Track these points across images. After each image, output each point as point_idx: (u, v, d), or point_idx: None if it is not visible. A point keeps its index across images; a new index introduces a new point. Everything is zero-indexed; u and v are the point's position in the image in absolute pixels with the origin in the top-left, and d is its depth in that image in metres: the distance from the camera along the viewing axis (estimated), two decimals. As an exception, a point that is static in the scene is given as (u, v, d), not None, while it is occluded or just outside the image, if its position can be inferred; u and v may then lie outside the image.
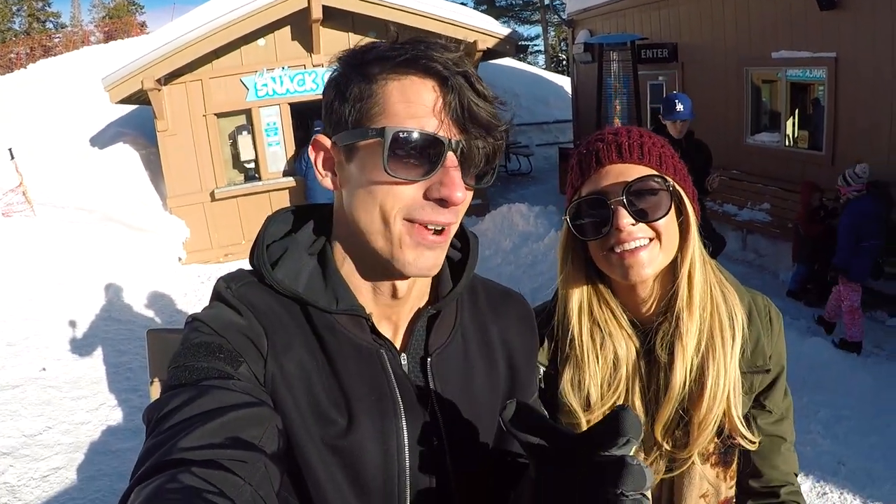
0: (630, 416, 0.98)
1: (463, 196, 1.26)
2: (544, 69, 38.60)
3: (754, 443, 1.77)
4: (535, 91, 25.97)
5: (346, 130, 1.29)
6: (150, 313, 10.38)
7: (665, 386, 1.72)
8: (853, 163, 9.38)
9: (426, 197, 1.26)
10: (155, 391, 2.01)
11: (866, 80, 10.16)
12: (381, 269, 1.34)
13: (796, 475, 1.92)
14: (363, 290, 1.39)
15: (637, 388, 1.76)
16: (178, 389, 1.18)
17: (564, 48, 40.61)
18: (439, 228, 1.29)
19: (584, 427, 1.73)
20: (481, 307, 1.58)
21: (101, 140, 17.48)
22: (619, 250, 1.67)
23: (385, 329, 1.41)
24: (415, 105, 1.24)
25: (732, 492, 1.84)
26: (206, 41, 13.86)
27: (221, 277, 1.40)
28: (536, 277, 10.69)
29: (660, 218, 1.65)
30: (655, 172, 1.67)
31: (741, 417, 1.72)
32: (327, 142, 1.34)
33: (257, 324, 1.30)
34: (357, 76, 1.28)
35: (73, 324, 9.28)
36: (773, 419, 1.83)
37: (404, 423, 1.33)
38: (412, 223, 1.27)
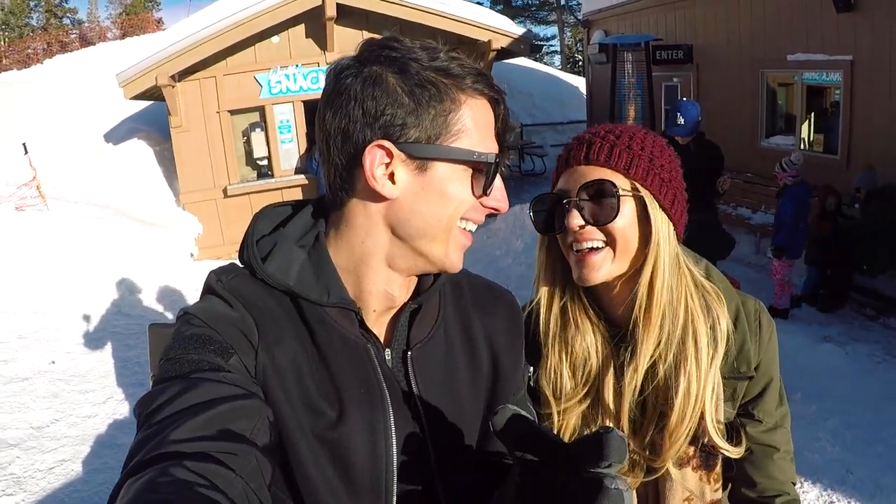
0: (613, 440, 0.96)
1: (507, 205, 1.39)
2: (560, 70, 38.56)
3: (733, 452, 1.73)
4: (550, 91, 25.93)
5: (427, 143, 1.29)
6: (160, 308, 10.41)
7: (620, 391, 1.73)
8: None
9: (483, 205, 1.36)
10: (157, 385, 2.01)
11: (882, 84, 10.08)
12: (406, 271, 1.40)
13: (794, 484, 1.88)
14: (369, 286, 1.39)
15: (609, 384, 1.74)
16: (169, 382, 1.18)
17: (580, 49, 40.54)
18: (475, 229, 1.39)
19: (556, 416, 1.76)
20: (465, 302, 1.58)
21: (116, 136, 17.56)
22: (575, 249, 1.69)
23: (373, 325, 1.42)
24: (485, 126, 1.34)
25: (719, 494, 1.80)
26: (221, 38, 13.90)
27: (212, 271, 1.40)
28: (548, 278, 10.59)
29: (608, 222, 1.64)
30: (620, 177, 1.66)
31: (718, 428, 1.69)
32: (394, 149, 1.29)
33: (248, 316, 1.30)
34: (433, 87, 1.29)
35: (83, 318, 9.32)
36: (764, 428, 1.79)
37: (391, 417, 1.33)
38: (461, 225, 1.36)
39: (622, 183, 1.64)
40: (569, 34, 50.66)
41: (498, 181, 1.34)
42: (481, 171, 1.32)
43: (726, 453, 1.72)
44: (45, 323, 8.95)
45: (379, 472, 1.32)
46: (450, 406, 1.43)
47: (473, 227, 1.37)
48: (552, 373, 1.77)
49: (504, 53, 16.43)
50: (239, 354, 1.26)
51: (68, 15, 57.40)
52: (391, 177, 1.30)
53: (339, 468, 1.29)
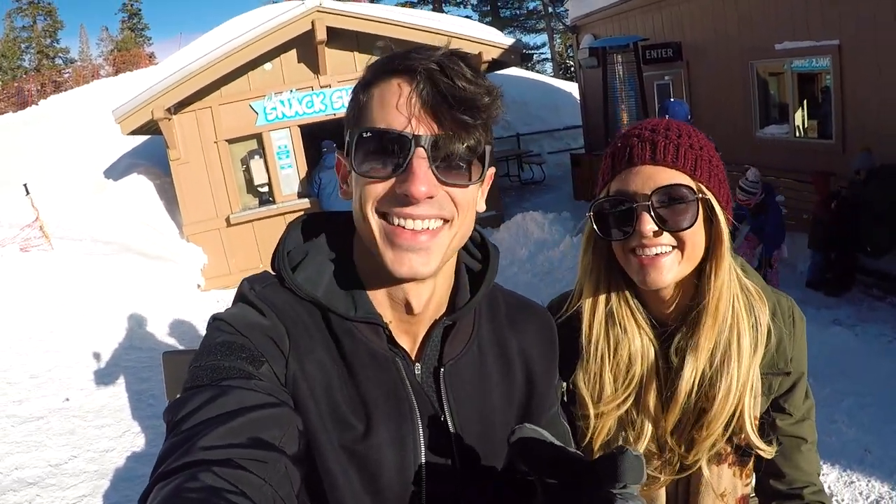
0: (629, 461, 0.98)
1: (427, 189, 1.23)
2: (552, 77, 38.64)
3: (767, 450, 1.74)
4: (545, 99, 25.96)
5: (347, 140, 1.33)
6: (171, 340, 10.42)
7: (674, 392, 1.70)
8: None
9: (395, 192, 1.25)
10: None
11: (871, 65, 10.08)
12: (389, 276, 1.33)
13: (819, 475, 1.88)
14: (382, 301, 1.39)
15: (653, 387, 1.74)
16: (199, 389, 1.19)
17: (571, 55, 40.61)
18: (419, 228, 1.27)
19: (593, 419, 1.74)
20: (500, 319, 1.56)
21: (116, 172, 17.64)
22: (640, 254, 1.64)
23: (402, 340, 1.41)
24: (385, 104, 1.26)
25: (749, 489, 1.83)
26: (213, 69, 14.00)
27: (245, 279, 1.41)
28: (553, 285, 10.64)
29: (684, 229, 1.61)
30: (688, 178, 1.62)
31: (755, 426, 1.70)
32: (340, 155, 1.39)
33: (280, 325, 1.31)
34: (354, 93, 1.34)
35: (94, 354, 9.33)
36: (793, 420, 1.80)
37: (421, 431, 1.34)
38: (387, 219, 1.27)
39: (691, 185, 1.62)
40: (558, 41, 50.90)
41: (417, 164, 1.23)
42: (353, 148, 1.27)
43: (762, 453, 1.73)
44: (57, 361, 8.97)
45: (407, 485, 1.32)
46: (481, 423, 1.43)
47: (408, 223, 1.26)
48: (593, 377, 1.75)
49: (495, 65, 16.48)
50: (270, 363, 1.26)
51: (60, 55, 57.85)
52: (347, 181, 1.38)
53: (366, 480, 1.29)
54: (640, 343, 1.74)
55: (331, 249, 1.42)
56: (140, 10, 63.48)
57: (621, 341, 1.74)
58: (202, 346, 1.28)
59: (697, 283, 1.71)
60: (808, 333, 1.83)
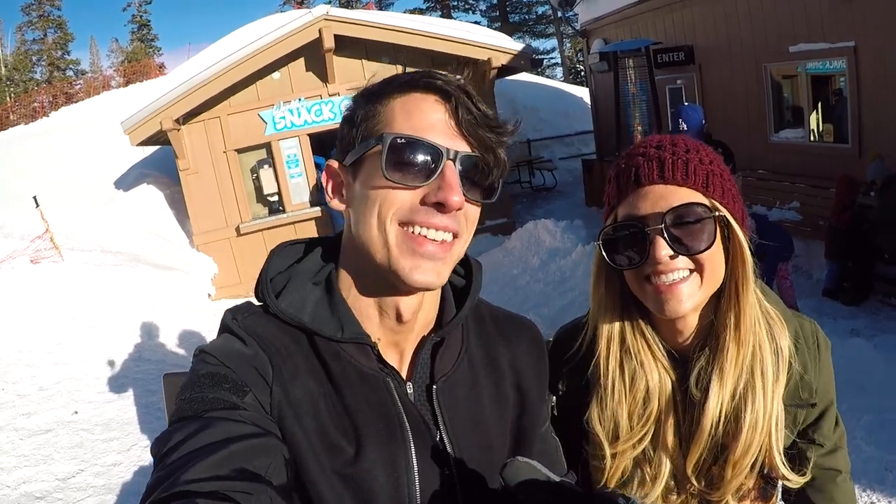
0: None
1: (460, 200, 1.28)
2: (563, 82, 38.62)
3: (797, 481, 1.63)
4: (555, 104, 25.97)
5: (353, 149, 1.34)
6: (181, 351, 10.38)
7: (698, 424, 1.60)
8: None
9: (423, 202, 1.28)
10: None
11: (888, 67, 9.94)
12: (385, 287, 1.35)
13: None
14: (370, 316, 1.39)
15: (671, 423, 1.64)
16: (184, 421, 1.19)
17: (581, 59, 40.62)
18: (438, 239, 1.29)
19: (609, 460, 1.64)
20: (488, 333, 1.57)
21: (125, 182, 17.70)
22: (655, 282, 1.53)
23: (391, 357, 1.41)
24: (416, 117, 1.30)
25: None
26: (222, 79, 14.04)
27: (228, 309, 1.41)
28: (566, 294, 10.52)
29: (702, 251, 1.50)
30: (701, 197, 1.52)
31: (783, 456, 1.59)
32: (334, 164, 1.40)
33: (262, 353, 1.30)
34: (364, 102, 1.35)
35: (103, 366, 9.29)
36: (825, 451, 1.70)
37: (413, 451, 1.33)
38: (407, 229, 1.28)
39: (705, 203, 1.52)
40: (568, 46, 50.95)
41: (448, 175, 1.27)
42: (386, 151, 1.27)
43: (790, 484, 1.64)
44: (66, 373, 8.94)
45: None
46: (476, 439, 1.43)
47: (430, 233, 1.29)
48: (609, 415, 1.66)
49: (505, 70, 16.50)
50: (254, 392, 1.25)
51: (71, 66, 58.37)
52: (340, 192, 1.40)
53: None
54: (657, 377, 1.64)
55: (313, 273, 1.42)
56: (149, 21, 64.00)
57: (638, 377, 1.64)
58: (187, 378, 1.29)
59: (717, 307, 1.61)
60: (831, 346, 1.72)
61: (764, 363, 1.57)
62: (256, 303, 1.42)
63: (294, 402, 1.28)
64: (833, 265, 9.43)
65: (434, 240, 1.29)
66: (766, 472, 1.61)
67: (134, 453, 7.25)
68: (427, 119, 1.29)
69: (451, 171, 1.27)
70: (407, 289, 1.33)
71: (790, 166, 12.34)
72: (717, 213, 1.52)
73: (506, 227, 15.22)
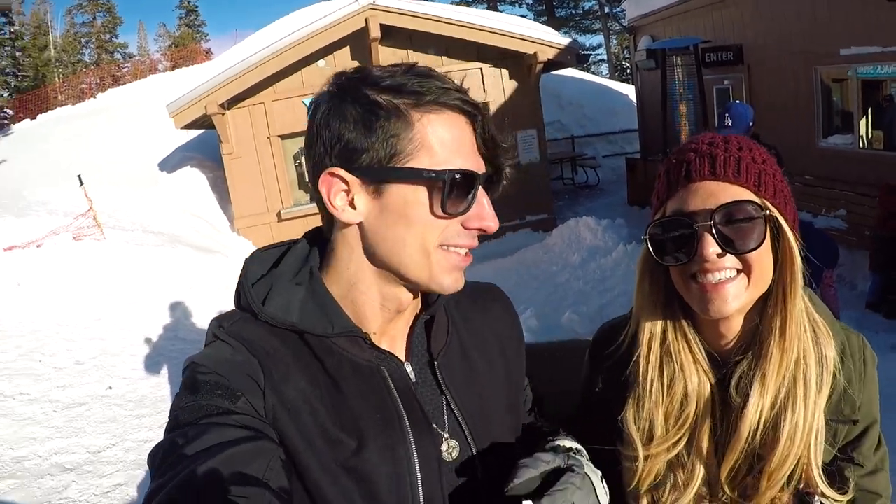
0: None
1: (496, 224, 1.35)
2: (608, 78, 38.38)
3: (837, 499, 1.55)
4: (600, 101, 25.81)
5: (378, 167, 1.28)
6: (216, 332, 10.45)
7: (735, 430, 1.55)
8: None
9: (466, 227, 1.32)
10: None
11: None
12: (396, 288, 1.38)
13: None
14: (367, 312, 1.40)
15: (707, 427, 1.59)
16: (179, 430, 1.19)
17: (627, 56, 40.35)
18: (466, 252, 1.36)
19: (642, 462, 1.61)
20: (464, 304, 1.60)
21: (169, 165, 17.91)
22: (701, 280, 1.49)
23: (384, 344, 1.43)
24: (454, 142, 1.30)
25: None
26: (267, 65, 14.14)
27: (214, 318, 1.42)
28: (605, 293, 10.41)
29: (751, 250, 1.46)
30: (752, 196, 1.47)
31: (822, 472, 1.53)
32: (348, 176, 1.30)
33: (252, 358, 1.30)
34: (382, 107, 1.28)
35: (140, 343, 9.40)
36: (864, 472, 1.61)
37: (412, 438, 1.34)
38: (447, 249, 1.32)
39: (756, 201, 1.47)
40: (615, 42, 50.61)
41: (482, 199, 1.32)
42: (447, 189, 1.27)
43: (826, 502, 1.55)
44: (103, 349, 9.06)
45: (404, 497, 1.31)
46: (480, 405, 1.48)
47: (461, 250, 1.34)
48: (645, 416, 1.62)
49: (551, 65, 16.40)
50: (247, 396, 1.25)
51: (119, 50, 59.25)
52: (352, 203, 1.33)
53: (364, 496, 1.28)
54: (696, 381, 1.60)
55: (294, 274, 1.41)
56: (197, 6, 64.40)
57: (676, 378, 1.60)
58: (180, 389, 1.29)
59: (762, 311, 1.55)
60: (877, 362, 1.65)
61: (808, 372, 1.51)
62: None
63: (288, 402, 1.28)
64: (877, 277, 9.23)
65: (464, 255, 1.35)
66: (801, 488, 1.54)
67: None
68: (465, 145, 1.31)
69: (485, 196, 1.33)
70: (432, 293, 1.42)
71: (838, 173, 12.11)
72: (767, 213, 1.47)
73: (546, 223, 15.17)
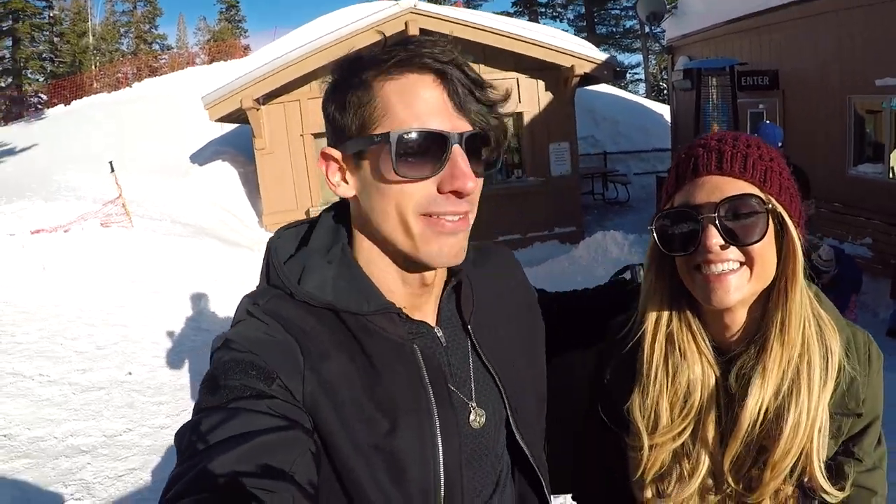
0: None
1: (474, 185, 1.28)
2: (645, 97, 38.32)
3: (835, 495, 1.56)
4: (635, 119, 25.81)
5: (352, 139, 1.31)
6: (239, 325, 10.50)
7: (736, 421, 1.57)
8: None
9: (440, 191, 1.27)
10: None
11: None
12: (408, 264, 1.35)
13: None
14: (393, 287, 1.39)
15: (711, 418, 1.61)
16: (208, 412, 1.16)
17: (665, 76, 40.28)
18: (456, 218, 1.30)
19: (647, 451, 1.63)
20: (480, 268, 1.61)
21: (201, 157, 18.04)
22: (705, 271, 1.51)
23: (417, 315, 1.42)
24: (415, 103, 1.26)
25: None
26: (304, 63, 14.20)
27: (247, 295, 1.39)
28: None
29: (753, 242, 1.49)
30: (756, 190, 1.50)
31: (823, 466, 1.54)
32: (336, 153, 1.35)
33: (290, 337, 1.28)
34: (353, 83, 1.31)
35: (161, 332, 9.47)
36: (863, 469, 1.62)
37: (436, 417, 1.33)
38: (430, 217, 1.28)
39: (761, 196, 1.50)
40: (653, 62, 50.49)
41: (456, 159, 1.26)
42: (394, 151, 1.25)
43: (827, 497, 1.57)
44: (124, 335, 9.14)
45: (428, 483, 1.30)
46: (513, 362, 1.54)
47: (451, 216, 1.29)
48: (650, 404, 1.64)
49: (587, 79, 16.38)
50: (283, 379, 1.22)
51: (157, 41, 59.75)
52: (345, 179, 1.36)
53: (393, 476, 1.27)
54: (699, 370, 1.62)
55: (325, 252, 1.39)
56: (238, 2, 64.82)
57: (680, 368, 1.62)
58: (211, 365, 1.26)
59: (766, 305, 1.57)
60: (885, 384, 1.65)
61: (811, 365, 1.52)
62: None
63: (327, 382, 1.26)
64: (899, 304, 9.21)
65: (452, 220, 1.29)
66: (805, 481, 1.55)
67: (182, 418, 7.29)
68: (428, 105, 1.27)
69: (461, 155, 1.26)
70: (433, 268, 1.37)
71: (866, 201, 12.08)
72: (770, 207, 1.50)
73: (574, 235, 15.15)
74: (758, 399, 1.53)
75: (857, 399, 1.57)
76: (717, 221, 1.48)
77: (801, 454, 1.52)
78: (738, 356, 1.60)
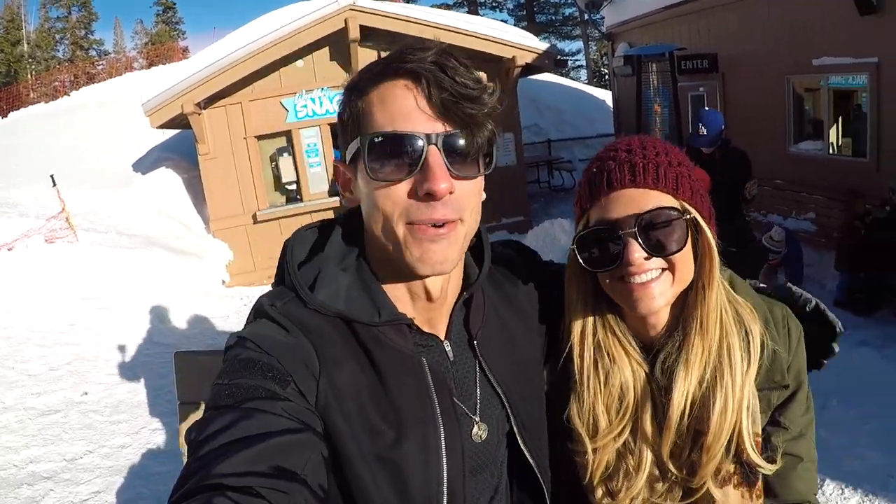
0: None
1: (448, 185, 1.26)
2: (586, 84, 38.55)
3: (767, 468, 1.65)
4: (578, 106, 25.91)
5: (346, 147, 1.37)
6: (192, 336, 10.40)
7: (666, 413, 1.64)
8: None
9: (418, 195, 1.27)
10: (183, 413, 2.00)
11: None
12: (405, 273, 1.35)
13: (815, 495, 1.79)
14: (401, 298, 1.41)
15: (648, 413, 1.67)
16: (222, 410, 1.18)
17: (605, 62, 40.57)
18: (439, 224, 1.29)
19: (591, 454, 1.67)
20: (497, 278, 1.64)
21: (144, 165, 17.75)
22: (629, 281, 1.57)
23: (427, 328, 1.44)
24: (389, 108, 1.28)
25: None
26: (245, 64, 14.03)
27: (264, 295, 1.41)
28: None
29: (675, 252, 1.54)
30: (671, 200, 1.55)
31: (753, 444, 1.62)
32: (341, 164, 1.43)
33: (307, 342, 1.30)
34: (348, 98, 1.38)
35: (114, 348, 9.32)
36: (790, 437, 1.70)
37: (442, 431, 1.34)
38: (412, 224, 1.29)
39: (675, 205, 1.55)
40: (594, 48, 50.88)
41: (430, 162, 1.25)
42: (366, 153, 1.28)
43: (761, 470, 1.65)
44: (76, 354, 8.98)
45: (430, 490, 1.32)
46: (523, 380, 1.57)
47: (430, 223, 1.28)
48: (587, 411, 1.68)
49: (529, 69, 16.43)
50: (297, 382, 1.24)
51: (94, 46, 58.55)
52: (350, 189, 1.42)
53: (397, 487, 1.29)
54: (629, 372, 1.68)
55: (340, 259, 1.41)
56: (175, 3, 63.61)
57: (611, 372, 1.67)
58: (225, 363, 1.28)
59: (685, 301, 1.65)
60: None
61: (732, 352, 1.60)
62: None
63: (339, 388, 1.28)
64: (844, 276, 9.48)
65: (434, 227, 1.28)
66: (743, 458, 1.63)
67: (142, 436, 7.28)
68: (400, 107, 1.28)
69: (434, 156, 1.26)
70: (420, 277, 1.36)
71: (808, 178, 12.35)
72: (687, 216, 1.56)
73: (522, 225, 15.23)
74: (683, 391, 1.60)
75: (782, 371, 1.65)
76: (637, 236, 1.52)
77: (733, 434, 1.59)
78: (659, 350, 1.67)
